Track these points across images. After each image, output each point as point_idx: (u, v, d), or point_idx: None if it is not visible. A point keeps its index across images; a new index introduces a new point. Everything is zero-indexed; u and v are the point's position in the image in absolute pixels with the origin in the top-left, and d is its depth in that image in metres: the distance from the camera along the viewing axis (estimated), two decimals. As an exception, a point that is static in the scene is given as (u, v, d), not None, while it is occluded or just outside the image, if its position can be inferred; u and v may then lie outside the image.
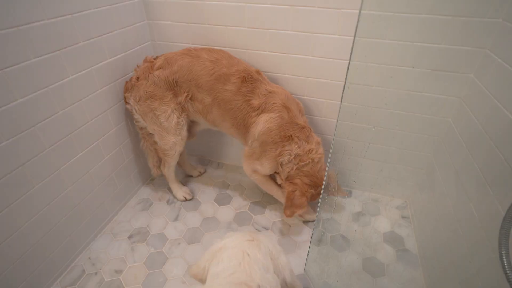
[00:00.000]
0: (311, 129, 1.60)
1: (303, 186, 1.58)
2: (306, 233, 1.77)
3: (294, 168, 1.57)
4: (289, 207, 1.58)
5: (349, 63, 1.12)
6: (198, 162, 2.31)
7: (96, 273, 1.53)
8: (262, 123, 1.53)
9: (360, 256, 1.62)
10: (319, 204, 1.46)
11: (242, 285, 0.84)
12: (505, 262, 0.76)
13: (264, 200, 1.99)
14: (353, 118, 1.69)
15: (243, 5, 1.57)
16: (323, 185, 1.40)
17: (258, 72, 1.59)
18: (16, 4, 1.09)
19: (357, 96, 1.59)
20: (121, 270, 1.55)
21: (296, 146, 1.53)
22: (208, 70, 1.53)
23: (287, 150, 1.54)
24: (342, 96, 1.27)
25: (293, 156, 1.54)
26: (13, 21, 1.09)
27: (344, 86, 1.17)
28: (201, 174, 2.20)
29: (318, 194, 1.60)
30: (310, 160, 1.56)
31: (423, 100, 1.54)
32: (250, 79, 1.53)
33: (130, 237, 1.73)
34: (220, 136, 2.16)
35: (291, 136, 1.53)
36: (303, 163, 1.55)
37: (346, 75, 1.16)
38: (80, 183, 1.53)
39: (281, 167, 1.60)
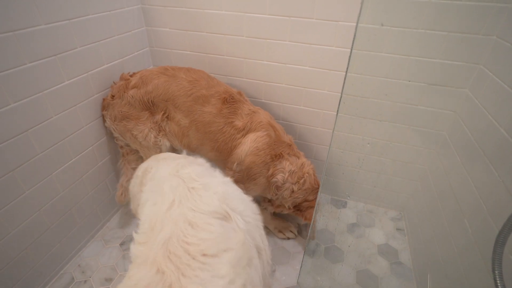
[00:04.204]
0: (295, 146, 1.59)
1: (313, 204, 1.58)
2: (300, 243, 1.75)
3: (296, 190, 1.53)
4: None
5: (345, 74, 1.13)
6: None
7: (85, 281, 1.50)
8: (249, 143, 1.47)
9: (354, 269, 1.60)
10: (314, 212, 1.42)
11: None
12: (499, 285, 0.75)
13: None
14: (349, 129, 1.69)
15: (242, 14, 1.58)
16: (319, 190, 1.34)
17: (239, 93, 1.55)
18: (13, 9, 1.09)
19: (353, 107, 1.59)
20: (111, 279, 1.52)
21: (288, 163, 1.50)
22: (185, 90, 1.47)
23: (279, 169, 1.49)
24: (338, 107, 1.27)
25: (287, 174, 1.49)
26: (9, 26, 1.08)
27: (341, 97, 1.17)
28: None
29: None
30: (307, 175, 1.53)
31: (418, 113, 1.55)
32: (231, 100, 1.49)
33: (122, 244, 1.70)
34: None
35: (281, 154, 1.50)
36: (302, 180, 1.52)
37: (343, 87, 1.17)
38: (73, 189, 1.51)
39: (277, 191, 1.53)
